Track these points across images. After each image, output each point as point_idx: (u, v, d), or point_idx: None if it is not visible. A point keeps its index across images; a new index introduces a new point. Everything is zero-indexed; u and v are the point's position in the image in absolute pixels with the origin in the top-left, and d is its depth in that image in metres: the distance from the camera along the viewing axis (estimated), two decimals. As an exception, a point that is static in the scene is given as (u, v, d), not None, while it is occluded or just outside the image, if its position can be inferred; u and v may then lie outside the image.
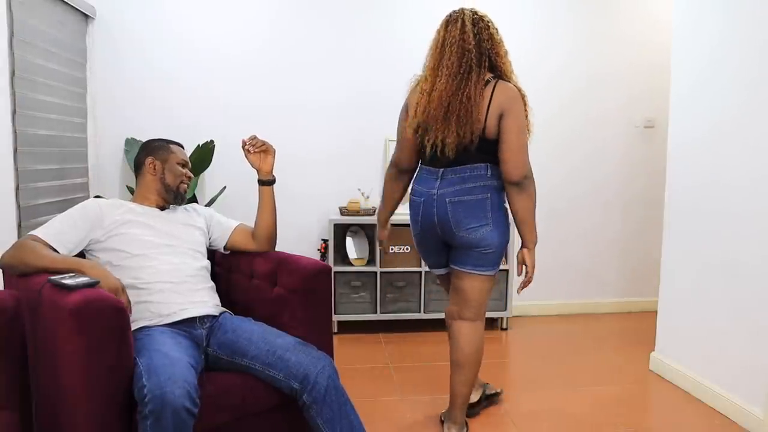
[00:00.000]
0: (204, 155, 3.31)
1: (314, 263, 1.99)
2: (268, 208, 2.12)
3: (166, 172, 2.02)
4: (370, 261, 3.53)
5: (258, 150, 2.11)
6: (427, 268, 3.47)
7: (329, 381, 1.68)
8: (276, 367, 1.71)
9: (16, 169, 2.51)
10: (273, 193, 2.14)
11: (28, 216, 2.58)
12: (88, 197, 3.22)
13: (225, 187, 3.40)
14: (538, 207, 4.06)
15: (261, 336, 1.79)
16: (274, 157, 2.13)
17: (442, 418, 2.33)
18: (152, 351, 1.58)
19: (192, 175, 2.10)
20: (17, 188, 2.51)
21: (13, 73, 2.47)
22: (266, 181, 2.13)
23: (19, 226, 2.50)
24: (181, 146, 2.14)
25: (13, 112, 2.48)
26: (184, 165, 2.08)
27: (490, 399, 2.54)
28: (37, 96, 2.71)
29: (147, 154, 2.04)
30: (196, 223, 2.08)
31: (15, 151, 2.50)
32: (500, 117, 2.01)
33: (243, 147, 2.11)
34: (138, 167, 2.06)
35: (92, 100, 3.36)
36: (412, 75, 2.30)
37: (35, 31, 2.68)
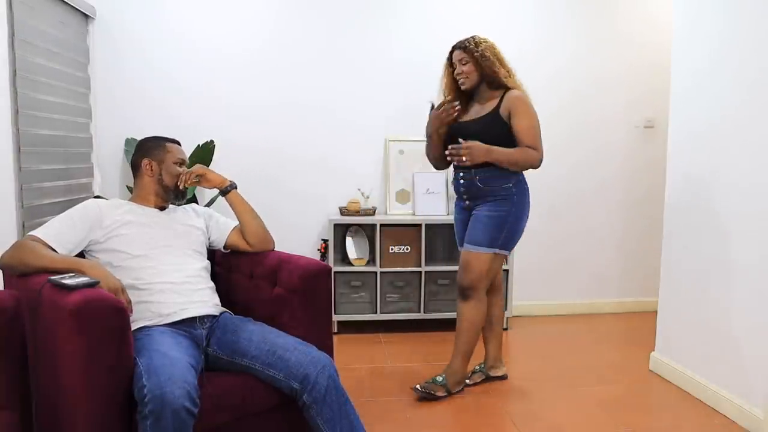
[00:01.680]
0: (204, 155, 3.31)
1: (314, 263, 2.00)
2: (244, 213, 2.11)
3: (163, 173, 2.01)
4: (370, 261, 3.53)
5: (195, 178, 2.06)
6: (427, 269, 3.49)
7: (329, 381, 1.68)
8: (276, 367, 1.71)
9: (20, 169, 2.51)
10: (240, 196, 2.12)
11: (31, 216, 2.58)
12: (92, 197, 3.22)
13: (225, 187, 3.40)
14: (537, 206, 4.09)
15: (261, 336, 1.79)
16: (211, 171, 2.10)
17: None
18: (152, 351, 1.58)
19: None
20: (20, 188, 2.51)
21: (14, 73, 2.47)
22: (225, 191, 2.11)
23: (23, 226, 2.51)
24: (178, 143, 2.11)
25: (16, 112, 2.48)
26: (181, 164, 2.06)
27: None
28: (39, 96, 2.71)
29: (143, 155, 2.02)
30: (196, 224, 2.08)
31: (18, 151, 2.50)
32: None
33: (184, 185, 2.04)
34: (135, 168, 2.05)
35: (93, 100, 3.36)
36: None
37: (36, 31, 2.69)
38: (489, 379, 2.78)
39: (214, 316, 1.91)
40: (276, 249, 2.16)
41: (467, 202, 2.59)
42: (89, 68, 3.33)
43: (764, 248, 2.24)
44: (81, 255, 1.85)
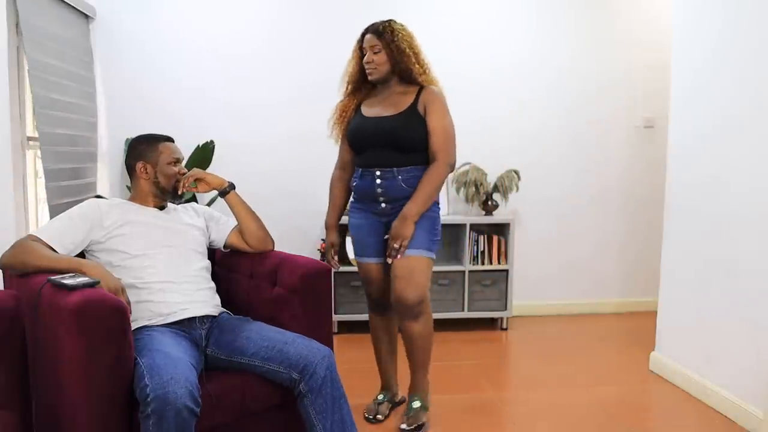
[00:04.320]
0: (204, 155, 3.31)
1: (314, 263, 2.00)
2: (243, 213, 2.09)
3: (158, 175, 1.99)
4: (370, 261, 3.52)
5: (194, 180, 2.05)
6: (427, 268, 3.48)
7: (327, 372, 1.69)
8: (276, 360, 1.71)
9: (44, 169, 2.55)
10: (239, 197, 2.10)
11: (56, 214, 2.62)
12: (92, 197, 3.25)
13: (225, 187, 3.40)
14: (537, 206, 4.06)
15: (259, 333, 1.80)
16: (208, 173, 2.09)
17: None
18: (153, 351, 1.58)
19: (186, 171, 2.05)
20: (45, 187, 2.57)
21: (28, 72, 2.50)
22: (225, 191, 2.09)
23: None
24: (171, 140, 2.07)
25: (33, 111, 2.52)
26: (176, 163, 2.03)
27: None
28: (52, 95, 2.72)
29: (136, 159, 1.99)
30: (196, 223, 2.08)
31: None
32: None
33: (183, 190, 2.02)
34: (130, 171, 2.02)
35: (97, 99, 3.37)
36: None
37: (44, 32, 2.70)
38: (393, 405, 2.51)
39: (214, 317, 1.91)
40: (276, 249, 2.16)
41: (384, 205, 2.26)
42: (94, 68, 3.34)
43: (764, 247, 2.24)
44: (81, 255, 1.85)
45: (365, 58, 2.24)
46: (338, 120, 2.40)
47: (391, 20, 2.28)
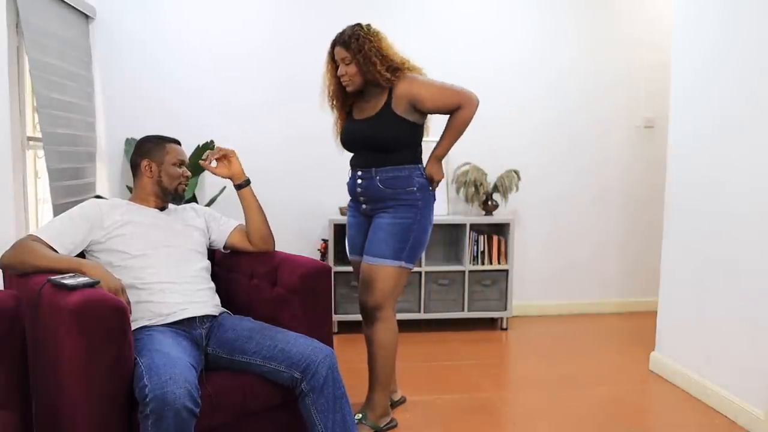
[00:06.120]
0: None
1: (314, 263, 2.00)
2: (253, 209, 2.10)
3: (162, 174, 1.99)
4: (370, 261, 3.53)
5: (219, 156, 2.08)
6: (427, 269, 3.48)
7: (329, 372, 1.70)
8: (277, 359, 1.72)
9: (48, 168, 2.57)
10: (253, 192, 2.12)
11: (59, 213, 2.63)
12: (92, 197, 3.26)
13: (225, 188, 3.40)
14: (538, 206, 4.06)
15: (260, 332, 1.80)
16: (237, 158, 2.11)
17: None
18: (153, 351, 1.58)
19: (190, 174, 2.07)
20: (49, 187, 2.57)
21: (30, 72, 2.50)
22: (242, 184, 2.11)
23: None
24: (178, 143, 2.08)
25: (36, 111, 2.52)
26: (180, 164, 2.04)
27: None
28: (52, 95, 2.72)
29: (142, 156, 2.00)
30: (196, 224, 2.08)
31: (44, 149, 2.56)
32: None
33: (205, 164, 2.07)
34: (134, 168, 2.03)
35: (96, 99, 3.37)
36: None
37: (45, 32, 2.70)
38: (392, 404, 2.46)
39: (214, 317, 1.91)
40: (276, 249, 2.16)
41: (365, 206, 2.29)
42: (93, 68, 3.34)
43: (764, 247, 2.24)
44: (82, 255, 1.85)
45: (339, 71, 2.22)
46: (338, 132, 2.42)
47: (356, 26, 2.21)
